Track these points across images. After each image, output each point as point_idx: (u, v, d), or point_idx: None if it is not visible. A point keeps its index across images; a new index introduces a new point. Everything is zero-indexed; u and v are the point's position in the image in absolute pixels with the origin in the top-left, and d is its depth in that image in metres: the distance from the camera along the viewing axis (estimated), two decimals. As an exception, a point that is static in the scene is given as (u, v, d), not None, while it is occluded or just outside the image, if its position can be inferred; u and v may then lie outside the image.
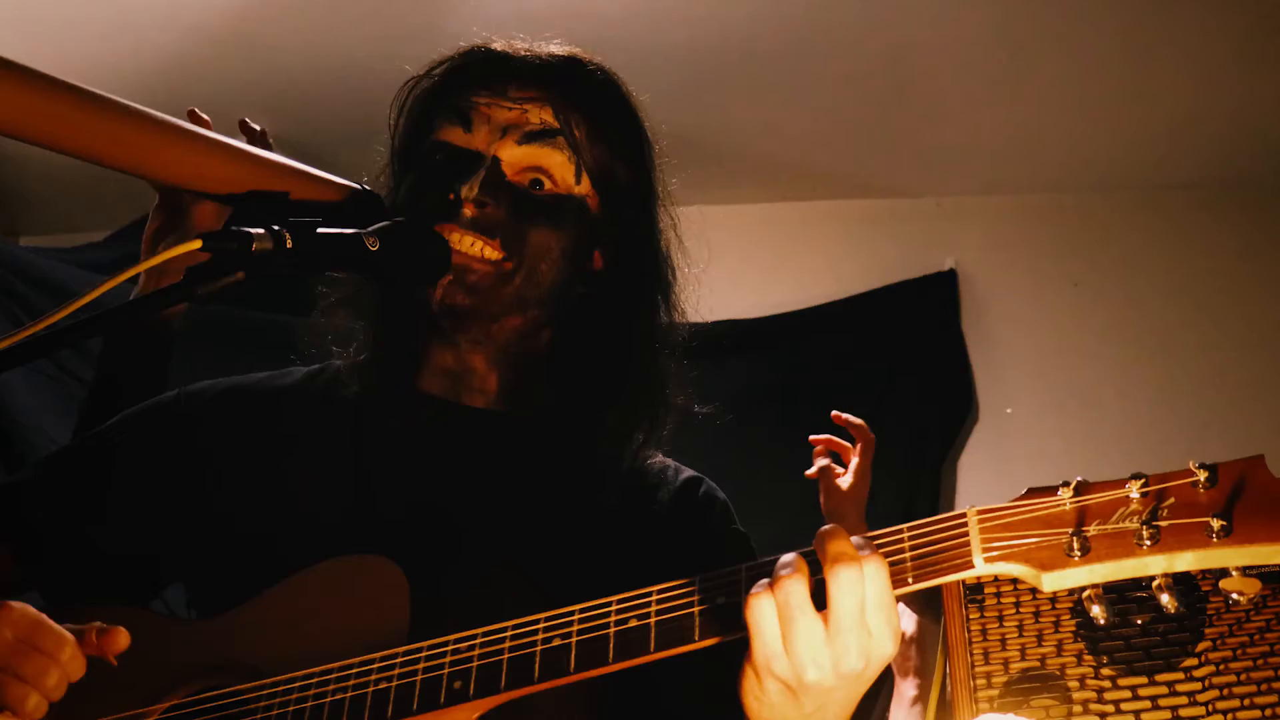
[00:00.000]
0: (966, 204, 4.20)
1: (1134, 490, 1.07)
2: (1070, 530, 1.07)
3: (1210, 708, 1.62)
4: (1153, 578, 1.04)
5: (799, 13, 3.39)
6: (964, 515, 1.12)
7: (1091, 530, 1.06)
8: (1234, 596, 1.03)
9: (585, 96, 1.53)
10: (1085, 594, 1.08)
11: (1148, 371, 3.97)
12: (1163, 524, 1.04)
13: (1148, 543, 1.03)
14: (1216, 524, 1.01)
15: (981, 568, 1.08)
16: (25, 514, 1.52)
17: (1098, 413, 3.89)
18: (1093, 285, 4.08)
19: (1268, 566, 1.76)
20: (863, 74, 3.63)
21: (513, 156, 1.47)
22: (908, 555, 1.12)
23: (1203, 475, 1.05)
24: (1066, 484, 1.10)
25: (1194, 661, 1.66)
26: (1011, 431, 3.92)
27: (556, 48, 1.56)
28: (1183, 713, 1.64)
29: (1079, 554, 1.06)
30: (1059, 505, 1.09)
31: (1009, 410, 3.97)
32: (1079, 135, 3.91)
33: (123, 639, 1.26)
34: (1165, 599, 1.04)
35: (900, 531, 1.13)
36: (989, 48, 3.53)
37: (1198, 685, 1.64)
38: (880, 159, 4.06)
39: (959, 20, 3.43)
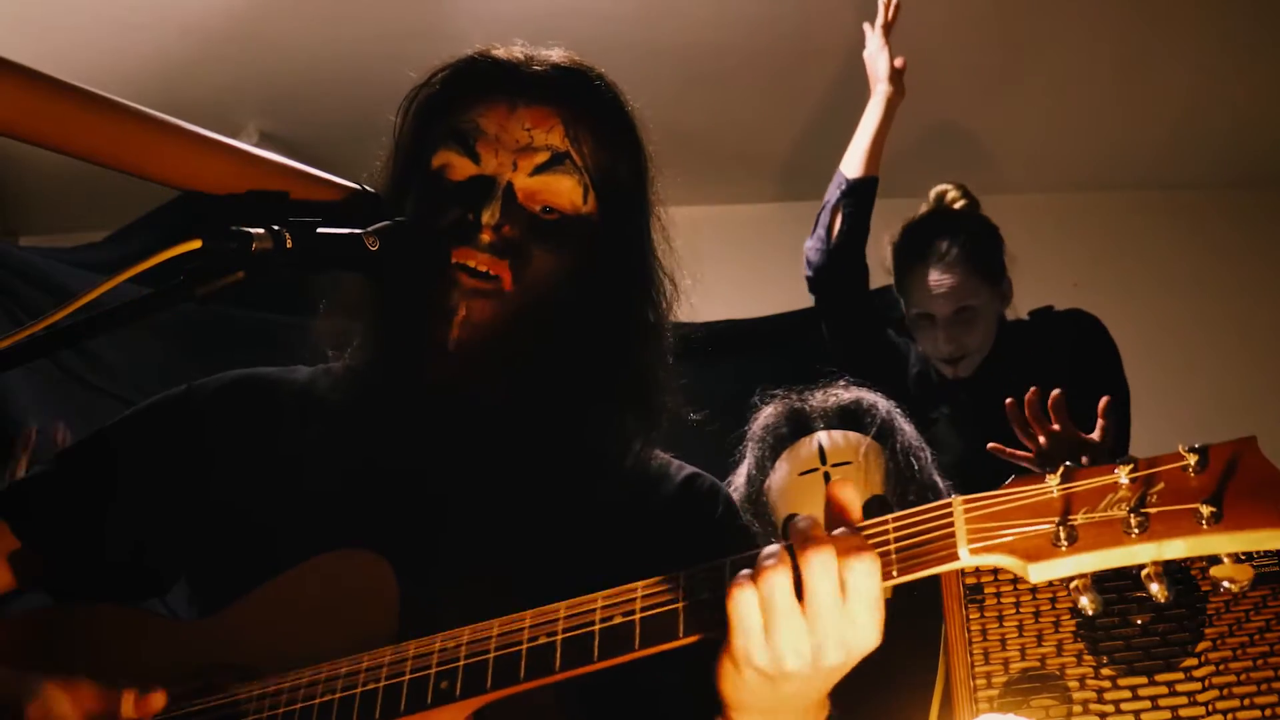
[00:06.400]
0: (966, 204, 4.20)
1: (1123, 475, 1.03)
2: (1057, 519, 1.04)
3: (1210, 708, 1.62)
4: (1142, 566, 1.01)
5: (799, 13, 3.40)
6: (949, 505, 1.09)
7: (1079, 519, 1.03)
8: (1225, 584, 1.00)
9: (590, 107, 1.55)
10: (1073, 584, 1.05)
11: (1147, 371, 3.96)
12: (1152, 511, 1.01)
13: (1136, 531, 1.00)
14: (1206, 510, 0.98)
15: (967, 559, 1.06)
16: (41, 509, 1.53)
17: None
18: (1093, 285, 4.08)
19: (1266, 566, 1.77)
20: (863, 74, 3.63)
21: (525, 185, 1.50)
22: (892, 547, 1.10)
23: (1193, 459, 1.02)
24: (1053, 470, 1.07)
25: (1194, 661, 1.66)
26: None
27: (557, 55, 1.57)
28: (1183, 713, 1.64)
29: (1066, 544, 1.03)
30: (1046, 493, 1.06)
31: (1009, 410, 3.96)
32: (1079, 136, 3.91)
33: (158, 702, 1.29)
34: (1155, 588, 1.01)
35: (885, 522, 1.11)
36: (989, 48, 3.54)
37: (1198, 685, 1.63)
38: (880, 159, 4.05)
39: (959, 21, 3.43)
